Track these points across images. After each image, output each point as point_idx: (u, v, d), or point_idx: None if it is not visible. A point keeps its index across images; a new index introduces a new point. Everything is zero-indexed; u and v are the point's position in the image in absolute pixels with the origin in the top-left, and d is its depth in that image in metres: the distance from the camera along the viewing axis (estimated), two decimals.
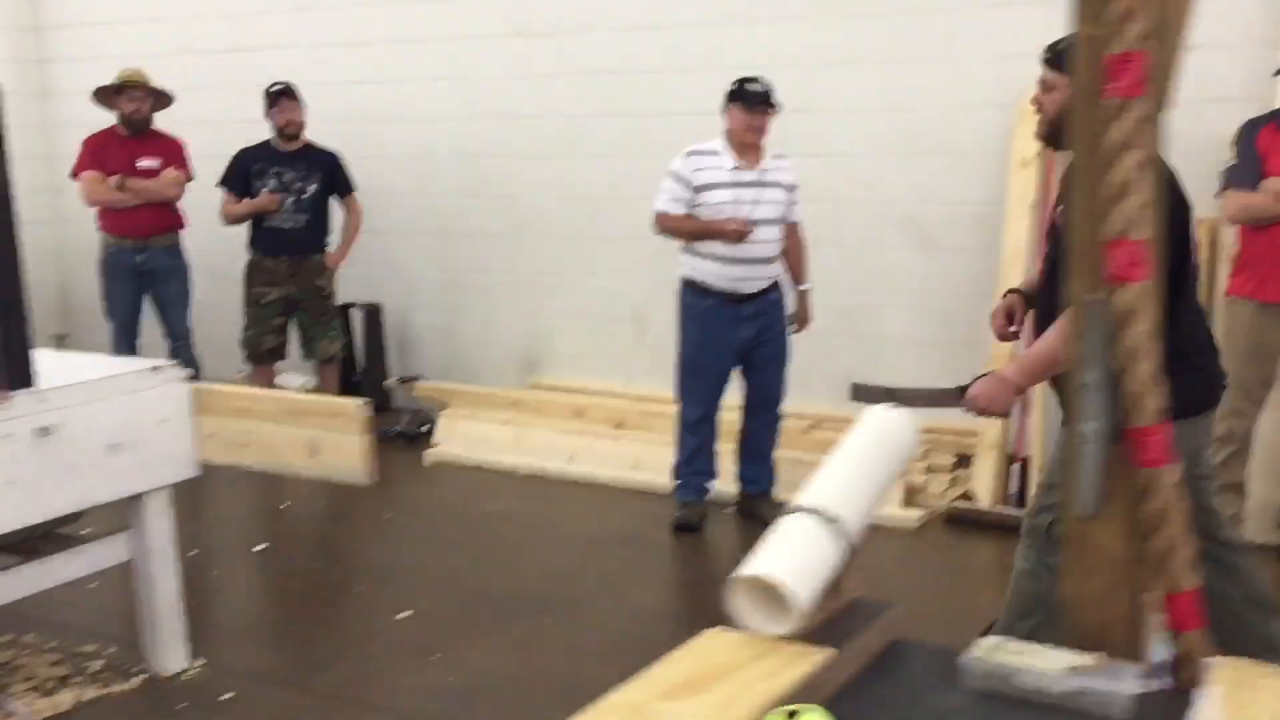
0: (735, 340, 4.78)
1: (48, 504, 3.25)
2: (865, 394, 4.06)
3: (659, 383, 6.05)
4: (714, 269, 4.71)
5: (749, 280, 4.72)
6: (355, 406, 3.26)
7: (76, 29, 7.66)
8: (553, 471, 5.64)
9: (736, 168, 4.70)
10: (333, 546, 5.03)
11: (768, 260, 4.78)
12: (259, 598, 4.36)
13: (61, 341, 6.57)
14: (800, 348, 5.68)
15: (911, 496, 4.99)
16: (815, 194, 5.53)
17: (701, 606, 3.92)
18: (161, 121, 6.39)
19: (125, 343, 6.40)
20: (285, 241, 6.08)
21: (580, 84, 6.11)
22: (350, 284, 6.81)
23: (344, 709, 3.46)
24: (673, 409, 5.80)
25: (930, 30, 5.21)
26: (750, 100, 4.65)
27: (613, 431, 5.86)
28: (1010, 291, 3.49)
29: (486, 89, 6.37)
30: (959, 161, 5.24)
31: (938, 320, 5.40)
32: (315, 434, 3.40)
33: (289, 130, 6.09)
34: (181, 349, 6.45)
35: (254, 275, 6.18)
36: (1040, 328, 3.31)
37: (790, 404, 5.68)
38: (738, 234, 4.59)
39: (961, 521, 4.81)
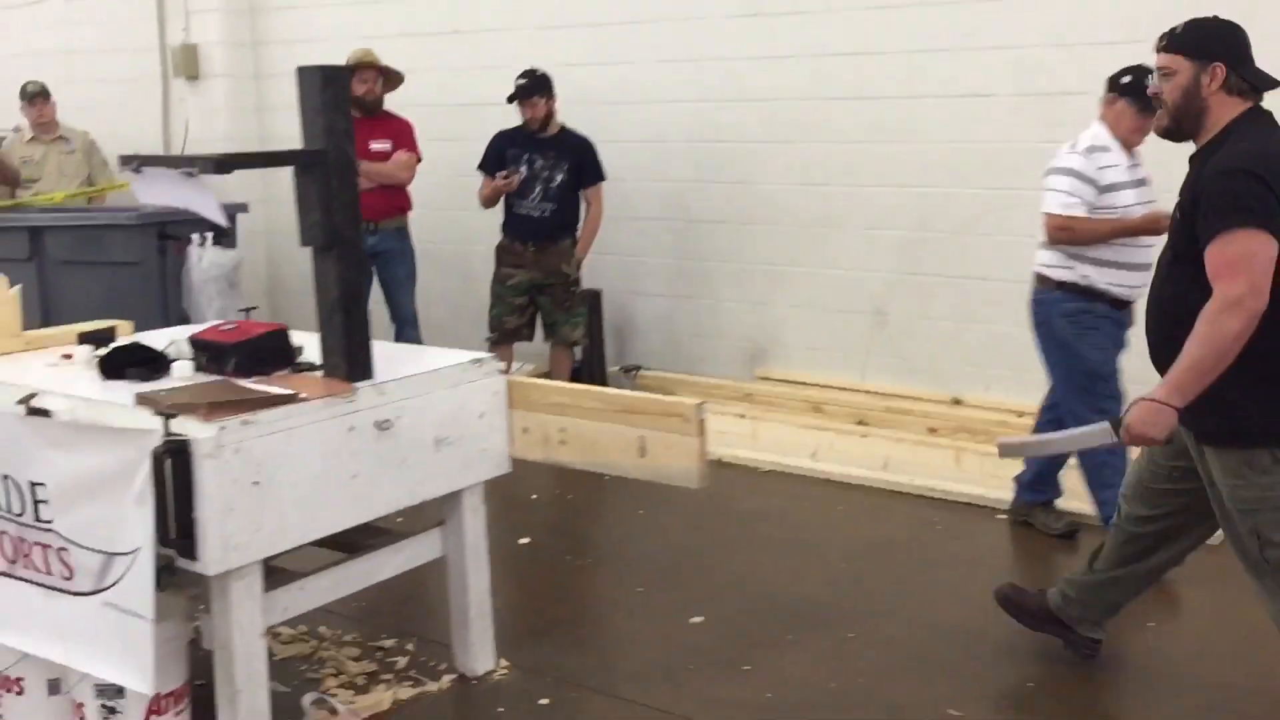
0: (1121, 346, 4.36)
1: (386, 498, 3.15)
2: (1014, 450, 3.82)
3: (898, 378, 5.84)
4: (1112, 275, 4.24)
5: (1138, 288, 4.13)
6: (691, 407, 3.08)
7: (292, 11, 7.65)
8: (795, 468, 5.43)
9: (1133, 165, 4.28)
10: (594, 541, 4.94)
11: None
12: (538, 595, 4.24)
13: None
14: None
15: None
16: None
17: (1004, 623, 3.68)
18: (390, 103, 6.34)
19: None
20: (532, 227, 6.01)
21: (819, 66, 5.89)
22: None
23: None
24: (917, 406, 5.62)
25: None
26: (1145, 99, 3.90)
27: (856, 428, 5.64)
28: None
29: (720, 71, 6.17)
30: None
31: None
32: (644, 433, 3.21)
33: (531, 125, 6.01)
34: (408, 331, 6.43)
35: (502, 257, 6.18)
36: (1161, 329, 3.03)
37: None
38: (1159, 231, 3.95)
39: None
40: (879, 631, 3.82)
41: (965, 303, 5.66)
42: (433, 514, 3.44)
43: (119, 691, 2.97)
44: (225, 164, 2.76)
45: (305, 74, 2.95)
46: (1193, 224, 2.88)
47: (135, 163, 2.74)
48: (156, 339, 3.49)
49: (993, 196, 5.50)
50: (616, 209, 6.61)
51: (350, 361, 3.09)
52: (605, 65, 6.51)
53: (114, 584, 2.88)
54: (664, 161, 6.44)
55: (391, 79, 6.23)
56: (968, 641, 3.74)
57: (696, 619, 3.92)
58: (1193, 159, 3.02)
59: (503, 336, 6.13)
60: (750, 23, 6.05)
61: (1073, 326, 4.32)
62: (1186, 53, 2.96)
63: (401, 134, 6.26)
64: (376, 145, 6.18)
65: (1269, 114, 3.00)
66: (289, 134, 7.34)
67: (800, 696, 3.42)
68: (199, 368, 3.18)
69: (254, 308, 6.19)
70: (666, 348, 6.58)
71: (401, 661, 3.64)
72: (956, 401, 5.64)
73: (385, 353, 3.30)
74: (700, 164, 6.32)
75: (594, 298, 6.61)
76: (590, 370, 6.56)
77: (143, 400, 2.89)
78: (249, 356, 3.18)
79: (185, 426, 2.75)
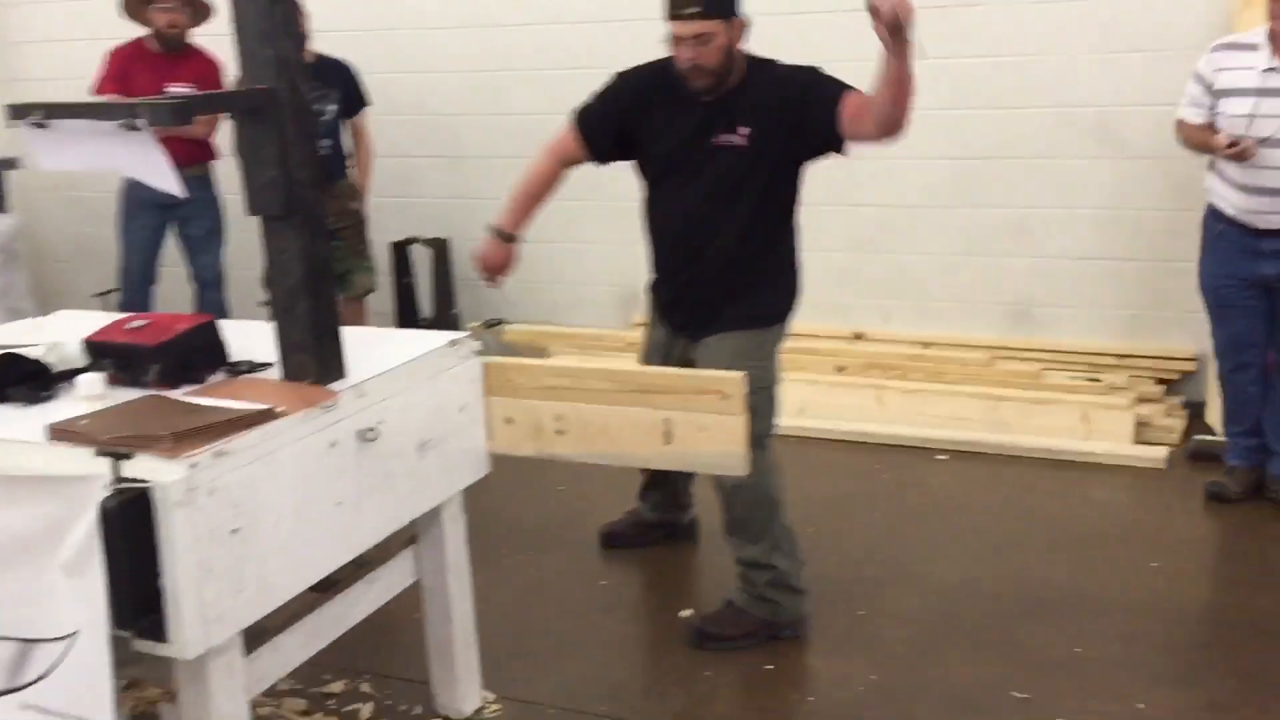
0: (1255, 275, 3.91)
1: (374, 525, 2.52)
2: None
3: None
4: (1228, 195, 3.89)
5: (1269, 215, 3.80)
6: (733, 380, 2.60)
7: None
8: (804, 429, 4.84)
9: (1270, 69, 3.72)
10: (545, 531, 4.34)
11: None
12: (511, 606, 3.60)
13: (109, 299, 5.59)
14: (966, 270, 5.22)
15: (1140, 432, 4.56)
16: (986, 100, 5.02)
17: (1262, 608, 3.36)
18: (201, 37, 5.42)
19: (139, 288, 5.52)
20: None
21: None
22: (408, 217, 6.01)
23: None
24: (821, 345, 5.28)
25: None
26: None
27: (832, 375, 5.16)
28: None
29: None
30: (1160, 58, 4.74)
31: (1129, 235, 4.94)
32: (670, 414, 2.71)
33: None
34: (211, 295, 5.62)
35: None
36: None
37: (956, 333, 5.24)
38: (1238, 155, 3.69)
39: (1206, 456, 4.38)
40: (899, 605, 3.47)
41: (859, 231, 5.35)
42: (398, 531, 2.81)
43: None
44: (185, 110, 2.03)
45: None
46: None
47: (38, 113, 1.97)
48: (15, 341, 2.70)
49: None
50: (450, 147, 5.98)
51: (321, 359, 2.43)
52: None
53: (37, 680, 2.16)
54: (505, 94, 5.81)
55: (200, 11, 5.31)
56: (999, 604, 3.44)
57: (686, 612, 3.46)
58: None
59: (349, 290, 5.46)
60: None
61: (1202, 240, 4.06)
62: None
63: (206, 75, 5.35)
64: (174, 88, 5.24)
65: None
66: (39, 70, 6.33)
67: (841, 694, 3.03)
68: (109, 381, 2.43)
69: (114, 290, 5.24)
70: (527, 298, 5.99)
71: (365, 710, 3.01)
72: (858, 336, 5.35)
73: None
74: (549, 93, 5.70)
75: (440, 246, 5.95)
76: (442, 329, 5.91)
77: (63, 434, 2.15)
78: (177, 361, 2.46)
79: (144, 468, 2.05)
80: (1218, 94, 3.79)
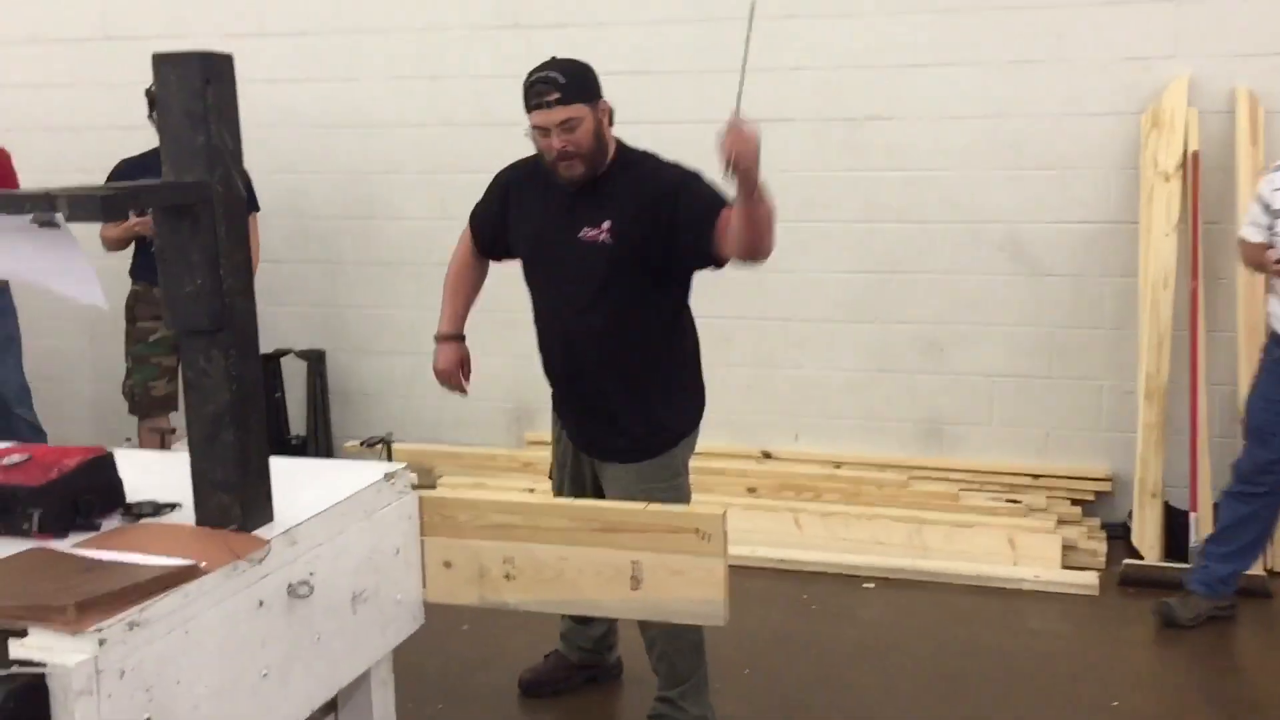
0: None
1: (302, 696, 2.10)
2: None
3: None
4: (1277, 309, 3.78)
5: None
6: (712, 517, 2.32)
7: None
8: None
9: None
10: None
11: None
12: None
13: None
14: (877, 387, 5.07)
15: (1066, 556, 4.42)
16: (897, 213, 4.93)
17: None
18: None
19: None
20: None
21: None
22: (282, 327, 5.58)
23: None
24: (730, 465, 5.03)
25: (1038, 28, 4.67)
26: None
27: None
28: None
29: (465, 90, 5.31)
30: (1070, 176, 4.73)
31: (1042, 352, 4.87)
32: (638, 555, 2.39)
33: None
34: (19, 413, 5.08)
35: (138, 308, 5.03)
36: None
37: (868, 451, 5.06)
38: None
39: (1138, 582, 4.25)
40: None
41: (766, 346, 5.15)
42: None
43: None
44: (114, 204, 1.65)
45: (171, 65, 1.89)
46: None
47: None
48: None
49: (795, 230, 5.02)
50: (340, 253, 5.59)
51: (247, 501, 2.03)
52: (317, 82, 5.46)
53: None
54: (402, 196, 5.48)
55: None
56: None
57: None
58: None
59: (150, 408, 5.05)
60: (507, 35, 5.23)
61: (1260, 363, 3.91)
62: None
63: None
64: None
65: None
66: None
67: None
68: None
69: None
70: (409, 414, 5.59)
71: None
72: (767, 455, 5.12)
73: None
74: (444, 198, 5.41)
75: (316, 359, 5.53)
76: (317, 449, 5.48)
77: None
78: (65, 504, 2.03)
79: (38, 645, 1.62)
80: (1275, 214, 3.74)
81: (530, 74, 2.93)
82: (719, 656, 3.34)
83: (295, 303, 5.65)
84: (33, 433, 5.07)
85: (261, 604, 1.98)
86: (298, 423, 5.60)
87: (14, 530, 2.01)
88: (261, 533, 2.03)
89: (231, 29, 5.43)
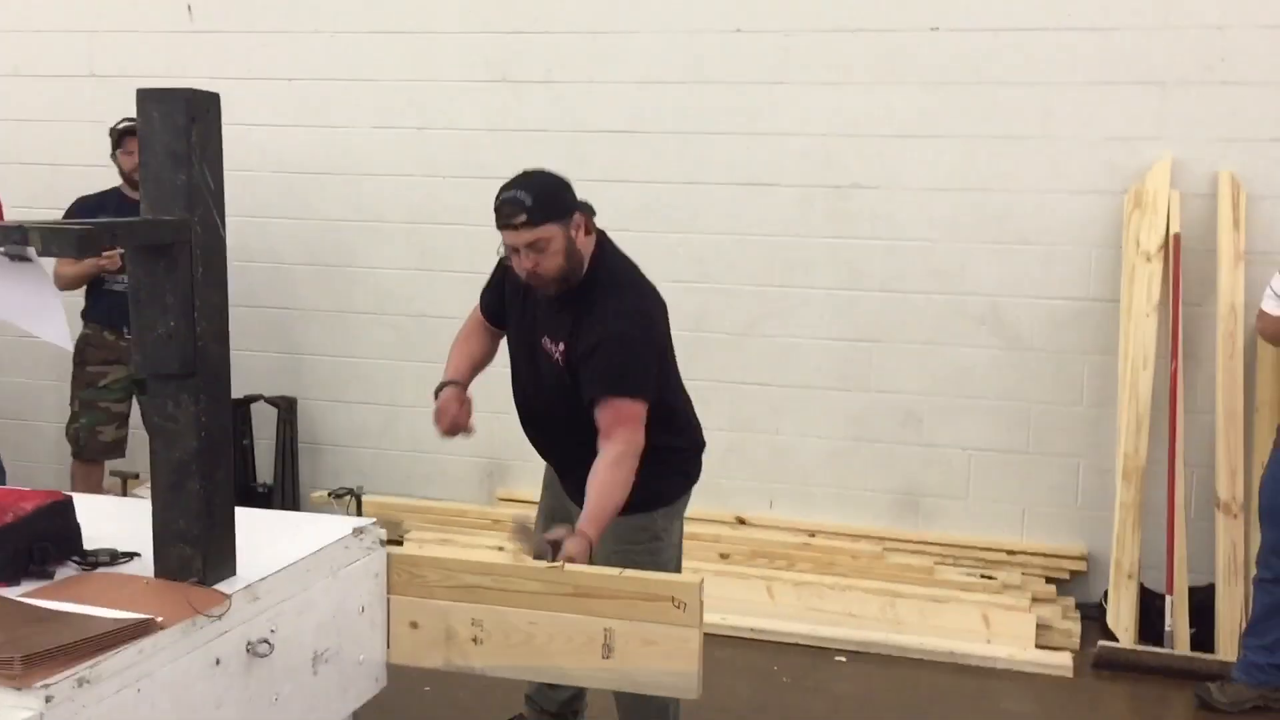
0: None
1: None
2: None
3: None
4: None
5: None
6: (688, 585, 2.26)
7: None
8: None
9: None
10: None
11: None
12: None
13: None
14: (853, 456, 5.03)
15: (1040, 635, 4.36)
16: (880, 282, 4.91)
17: None
18: None
19: None
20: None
21: (576, 144, 5.14)
22: (256, 372, 5.50)
23: None
24: (702, 529, 4.94)
25: (1025, 105, 4.70)
26: None
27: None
28: None
29: (456, 142, 5.28)
30: (1053, 252, 4.73)
31: (1020, 427, 4.84)
32: (610, 624, 2.33)
33: (138, 175, 4.78)
34: None
35: (89, 352, 4.97)
36: None
37: (843, 521, 5.01)
38: None
39: (1113, 665, 4.19)
40: None
41: (744, 411, 5.11)
42: None
43: None
44: (90, 239, 1.60)
45: (155, 101, 1.85)
46: None
47: None
48: None
49: (778, 294, 5.01)
50: (316, 300, 5.52)
51: (209, 553, 1.96)
52: (302, 128, 5.43)
53: None
54: (382, 245, 5.43)
55: None
56: None
57: None
58: None
59: (95, 453, 5.02)
60: (496, 89, 5.21)
61: (1275, 442, 3.92)
62: None
63: None
64: None
65: None
66: None
67: None
68: None
69: None
70: (379, 467, 5.50)
71: None
72: (741, 521, 5.05)
73: None
74: (425, 249, 5.37)
75: (287, 407, 5.45)
76: (284, 498, 5.37)
77: None
78: (19, 550, 1.95)
79: None
80: None
81: (500, 190, 2.87)
82: None
83: (268, 349, 5.57)
84: None
85: (218, 662, 1.90)
86: (265, 470, 5.49)
87: None
88: (223, 587, 1.96)
89: (222, 72, 5.39)
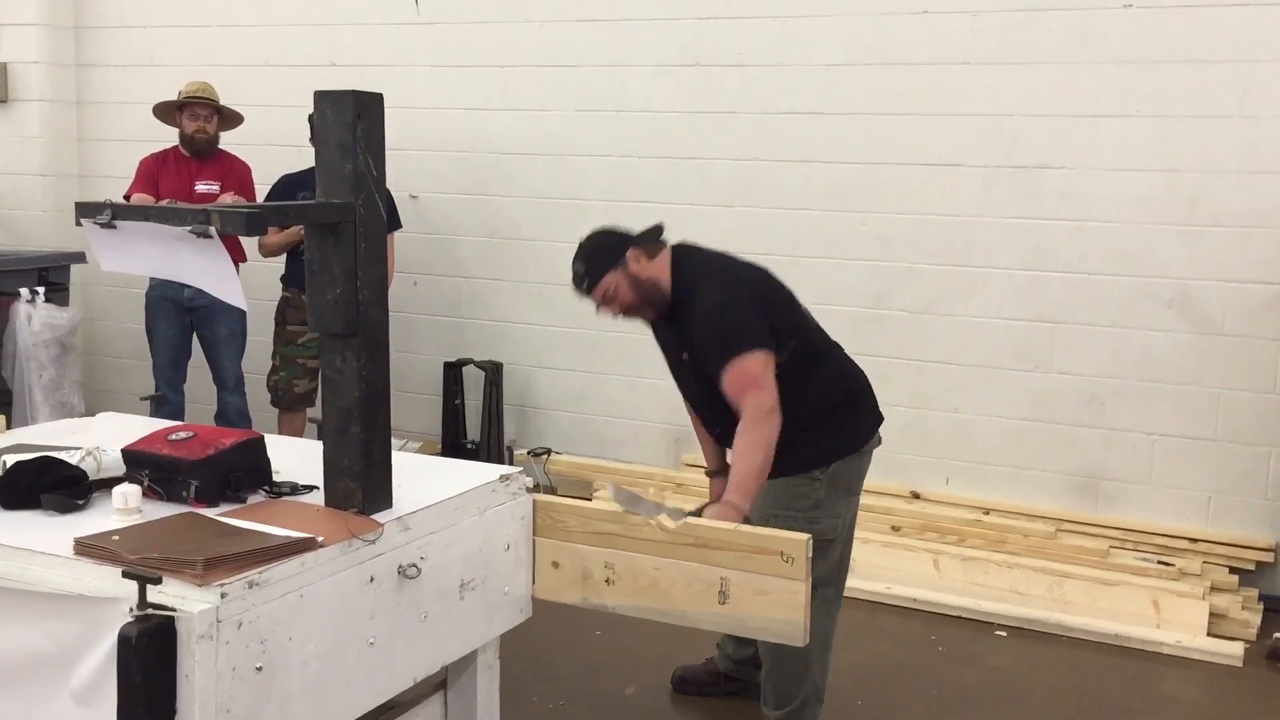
0: None
1: (406, 668, 2.35)
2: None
3: None
4: None
5: None
6: (798, 541, 2.43)
7: (124, 31, 6.62)
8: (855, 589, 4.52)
9: None
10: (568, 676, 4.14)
11: None
12: None
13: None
14: (1033, 436, 5.03)
15: (1214, 624, 4.30)
16: (1065, 263, 4.90)
17: None
18: (233, 143, 5.54)
19: (172, 386, 5.62)
20: None
21: (768, 125, 5.33)
22: (463, 337, 5.94)
23: None
24: (877, 501, 5.07)
25: (1222, 83, 4.59)
26: None
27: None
28: None
29: (650, 125, 5.55)
30: (1248, 235, 4.62)
31: (1207, 413, 4.75)
32: (727, 573, 2.54)
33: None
34: (231, 399, 5.60)
35: (288, 312, 5.57)
36: None
37: (1019, 500, 5.03)
38: None
39: None
40: None
41: (924, 388, 5.19)
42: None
43: None
44: (259, 219, 1.95)
45: (328, 100, 2.17)
46: None
47: (104, 213, 1.89)
48: (53, 444, 2.59)
49: (960, 274, 5.07)
50: (514, 272, 5.90)
51: (368, 487, 2.29)
52: (509, 111, 5.81)
53: None
54: (580, 220, 5.75)
55: (228, 118, 5.49)
56: None
57: None
58: None
59: (292, 403, 5.62)
60: (689, 74, 5.46)
61: None
62: None
63: (233, 174, 5.44)
64: (202, 186, 5.43)
65: None
66: (115, 169, 6.38)
67: None
68: (146, 493, 2.31)
69: (158, 394, 5.28)
70: (576, 429, 5.86)
71: None
72: (915, 495, 5.15)
73: None
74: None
75: (494, 370, 5.86)
76: (489, 454, 5.79)
77: (87, 549, 2.02)
78: (217, 478, 2.33)
79: (171, 594, 1.90)
80: None
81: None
82: (832, 685, 3.43)
83: (479, 317, 6.00)
84: (240, 418, 5.58)
85: (372, 579, 2.23)
86: (474, 428, 5.93)
87: (175, 496, 2.33)
88: (379, 517, 2.28)
89: (443, 60, 5.86)
